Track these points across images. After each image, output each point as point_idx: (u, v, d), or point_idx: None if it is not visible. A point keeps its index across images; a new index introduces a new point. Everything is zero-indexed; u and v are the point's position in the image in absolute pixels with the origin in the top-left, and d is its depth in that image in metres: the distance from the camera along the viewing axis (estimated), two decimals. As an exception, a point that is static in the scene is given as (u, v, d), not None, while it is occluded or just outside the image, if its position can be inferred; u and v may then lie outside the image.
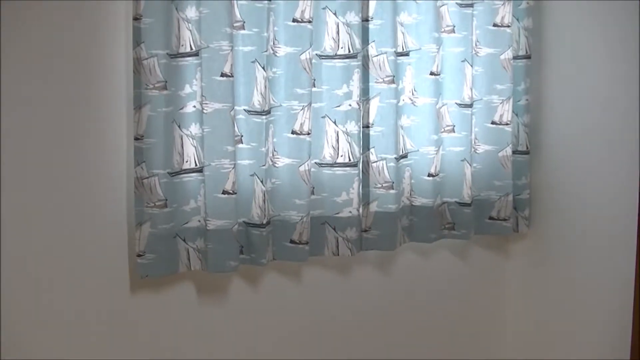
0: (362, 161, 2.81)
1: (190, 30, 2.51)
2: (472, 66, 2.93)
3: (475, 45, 2.96)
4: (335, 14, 2.71)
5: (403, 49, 2.84)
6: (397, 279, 3.01)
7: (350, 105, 2.75)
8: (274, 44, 2.66)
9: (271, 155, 2.69)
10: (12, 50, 2.36)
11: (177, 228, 2.59)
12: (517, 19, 3.01)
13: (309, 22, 2.65)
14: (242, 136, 2.64)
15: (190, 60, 2.53)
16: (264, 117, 2.64)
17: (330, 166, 2.77)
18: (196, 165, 2.57)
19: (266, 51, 2.63)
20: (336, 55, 2.73)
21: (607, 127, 2.85)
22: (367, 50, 2.79)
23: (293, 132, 2.69)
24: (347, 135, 2.75)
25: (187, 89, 2.55)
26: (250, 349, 2.79)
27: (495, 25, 2.96)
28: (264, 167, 2.66)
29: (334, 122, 2.75)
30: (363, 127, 2.80)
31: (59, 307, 2.49)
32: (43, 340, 2.48)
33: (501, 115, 2.99)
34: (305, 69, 2.66)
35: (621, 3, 2.75)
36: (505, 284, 3.22)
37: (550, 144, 3.05)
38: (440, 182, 2.94)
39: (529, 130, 3.06)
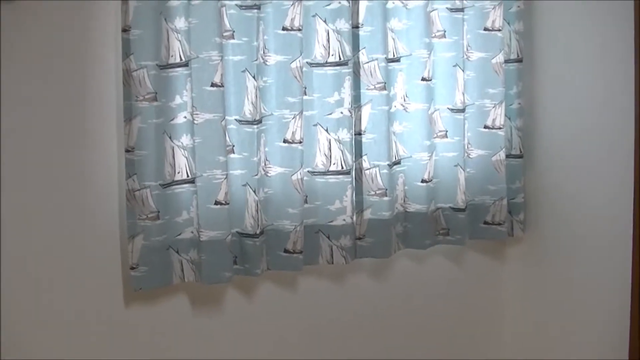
0: (355, 169, 2.80)
1: (179, 41, 2.50)
2: (463, 71, 2.92)
3: (467, 49, 2.95)
4: (325, 21, 2.70)
5: (394, 55, 2.83)
6: (392, 286, 3.00)
7: (341, 112, 2.73)
8: (264, 52, 2.64)
9: (263, 164, 2.68)
10: None
11: (170, 240, 2.58)
12: (508, 23, 3.01)
13: (299, 30, 2.64)
14: (233, 146, 2.63)
15: (180, 70, 2.52)
16: (255, 126, 2.62)
17: (323, 174, 2.75)
18: (188, 176, 2.56)
19: (256, 60, 2.62)
20: (327, 62, 2.72)
21: (601, 129, 2.84)
22: (358, 57, 2.78)
23: (285, 141, 2.68)
24: (339, 143, 2.74)
25: (178, 100, 2.53)
26: None
27: (486, 29, 2.95)
28: (256, 176, 2.64)
29: (326, 130, 2.74)
30: (355, 134, 2.79)
31: (52, 325, 2.48)
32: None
33: (494, 120, 2.98)
34: (296, 77, 2.65)
35: (613, 5, 2.74)
36: (502, 288, 3.21)
37: (544, 147, 3.05)
38: (434, 188, 2.93)
39: (522, 133, 3.05)
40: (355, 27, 2.77)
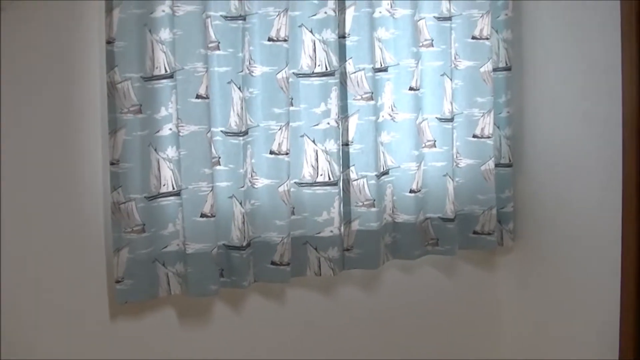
0: (343, 179, 2.79)
1: (164, 52, 2.49)
2: (451, 80, 2.90)
3: (455, 58, 2.93)
4: (311, 31, 2.69)
5: (381, 65, 2.81)
6: (382, 297, 2.98)
7: (328, 123, 2.72)
8: (249, 63, 2.63)
9: (250, 176, 2.66)
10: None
11: (156, 253, 2.56)
12: (497, 31, 2.99)
13: (285, 40, 2.62)
14: (219, 158, 2.61)
15: (165, 82, 2.50)
16: (241, 138, 2.61)
17: (310, 185, 2.74)
18: (173, 188, 2.55)
19: (242, 71, 2.60)
20: (313, 73, 2.70)
21: (590, 137, 2.83)
22: (345, 67, 2.76)
23: (271, 152, 2.66)
24: (327, 153, 2.72)
25: (163, 112, 2.52)
26: (234, 372, 2.77)
27: (474, 37, 2.93)
28: (242, 188, 2.63)
29: (313, 141, 2.72)
30: (342, 145, 2.78)
31: (33, 342, 2.46)
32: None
33: (482, 129, 2.97)
34: (282, 88, 2.64)
35: (601, 13, 2.73)
36: (493, 297, 3.19)
37: (533, 155, 3.03)
38: (422, 198, 2.91)
39: (512, 142, 3.04)
40: (342, 37, 2.75)
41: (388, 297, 2.99)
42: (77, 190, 2.49)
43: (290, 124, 2.67)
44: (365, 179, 2.79)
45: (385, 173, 2.86)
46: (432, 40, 2.89)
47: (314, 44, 2.69)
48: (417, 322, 3.05)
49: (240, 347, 2.76)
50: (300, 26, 2.68)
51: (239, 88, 2.59)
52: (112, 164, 2.47)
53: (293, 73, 2.69)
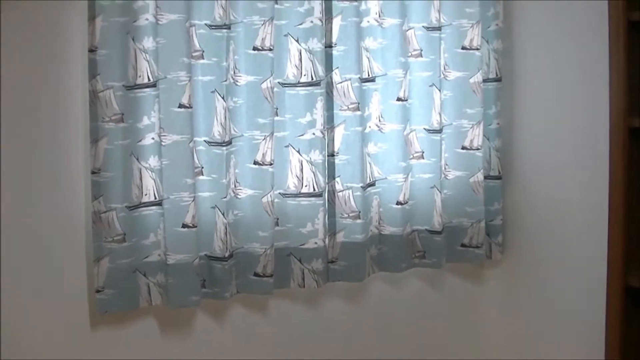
0: (328, 191, 2.76)
1: (147, 61, 2.47)
2: (440, 90, 2.87)
3: (444, 69, 2.90)
4: (297, 41, 2.66)
5: (369, 75, 2.79)
6: (367, 309, 2.95)
7: (314, 133, 2.69)
8: (234, 72, 2.61)
9: (233, 186, 2.64)
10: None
11: (137, 263, 2.54)
12: (487, 41, 2.96)
13: (270, 50, 2.60)
14: (202, 168, 2.59)
15: (148, 91, 2.48)
16: (224, 147, 2.58)
17: (295, 196, 2.71)
18: (155, 198, 2.53)
19: (226, 81, 2.57)
20: (299, 83, 2.68)
21: (581, 150, 2.81)
22: (331, 77, 2.74)
23: (255, 163, 2.64)
24: (312, 164, 2.69)
25: (145, 121, 2.50)
26: (216, 384, 2.74)
27: (464, 48, 2.91)
28: (225, 199, 2.60)
29: (298, 152, 2.70)
30: (328, 155, 2.75)
31: (12, 350, 2.44)
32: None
33: (472, 140, 2.94)
34: (266, 97, 2.61)
35: (592, 24, 2.70)
36: (480, 311, 3.16)
37: (523, 168, 3.00)
38: (409, 210, 2.88)
39: (501, 154, 3.01)
40: (329, 46, 2.73)
41: (373, 310, 2.96)
42: (58, 199, 2.47)
43: (275, 134, 2.65)
44: (350, 191, 2.77)
45: (372, 184, 2.83)
46: (421, 50, 2.86)
47: (300, 53, 2.67)
48: (402, 335, 3.02)
49: (222, 359, 2.73)
50: (286, 35, 2.66)
51: (223, 97, 2.57)
52: (93, 172, 2.45)
53: (278, 82, 2.66)
